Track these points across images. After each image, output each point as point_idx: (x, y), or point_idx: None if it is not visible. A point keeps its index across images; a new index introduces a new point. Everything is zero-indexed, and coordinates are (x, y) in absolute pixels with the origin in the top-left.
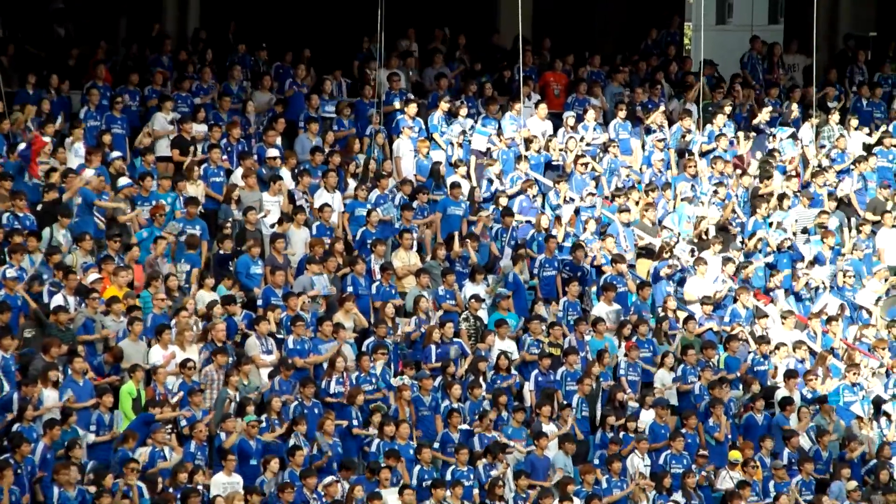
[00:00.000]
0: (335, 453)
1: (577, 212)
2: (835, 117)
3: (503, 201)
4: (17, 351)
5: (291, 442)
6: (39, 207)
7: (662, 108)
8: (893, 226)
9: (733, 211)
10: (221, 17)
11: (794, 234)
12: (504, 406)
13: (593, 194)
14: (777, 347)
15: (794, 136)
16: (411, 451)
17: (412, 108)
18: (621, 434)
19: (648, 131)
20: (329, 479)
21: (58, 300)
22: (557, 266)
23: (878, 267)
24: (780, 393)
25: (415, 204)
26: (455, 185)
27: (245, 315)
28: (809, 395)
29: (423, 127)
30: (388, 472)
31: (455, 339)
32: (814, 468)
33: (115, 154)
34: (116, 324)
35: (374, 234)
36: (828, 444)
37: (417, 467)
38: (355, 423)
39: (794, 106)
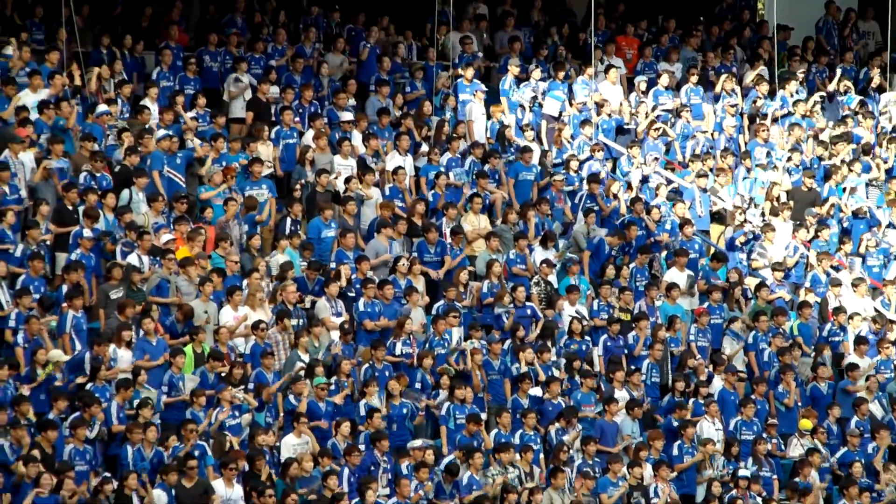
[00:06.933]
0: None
1: (644, 178)
2: None
3: (574, 165)
4: (104, 312)
5: (367, 404)
6: (118, 169)
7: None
8: None
9: (810, 177)
10: None
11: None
12: (577, 371)
13: (657, 158)
14: (851, 317)
15: (866, 104)
16: (482, 415)
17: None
18: (691, 401)
19: (718, 98)
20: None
21: (132, 260)
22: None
23: None
24: (848, 359)
25: (486, 168)
26: (526, 150)
27: (316, 279)
28: (882, 363)
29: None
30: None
31: (527, 304)
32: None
33: (190, 114)
34: (190, 284)
35: (444, 197)
36: None
37: (494, 431)
38: (418, 386)
39: (875, 71)
